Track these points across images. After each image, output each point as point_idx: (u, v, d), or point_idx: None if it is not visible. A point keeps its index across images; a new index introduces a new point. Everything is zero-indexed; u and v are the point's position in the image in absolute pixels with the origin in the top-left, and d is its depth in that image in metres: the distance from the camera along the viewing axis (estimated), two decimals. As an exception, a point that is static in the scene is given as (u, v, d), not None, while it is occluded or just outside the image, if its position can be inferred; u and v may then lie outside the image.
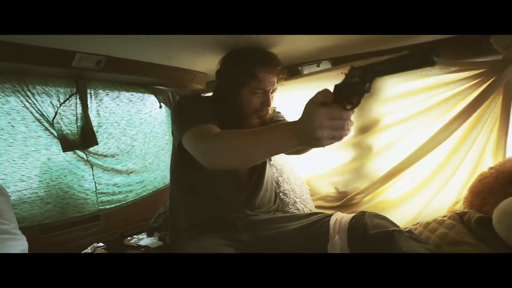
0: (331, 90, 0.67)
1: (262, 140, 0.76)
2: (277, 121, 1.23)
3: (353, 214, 0.99)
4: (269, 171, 1.28)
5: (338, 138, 0.66)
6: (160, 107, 1.80)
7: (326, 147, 0.67)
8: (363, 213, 0.97)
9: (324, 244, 0.97)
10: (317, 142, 0.65)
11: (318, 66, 1.61)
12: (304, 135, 0.67)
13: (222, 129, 0.97)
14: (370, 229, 0.89)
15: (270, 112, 1.14)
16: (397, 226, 0.90)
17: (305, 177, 1.70)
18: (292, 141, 0.71)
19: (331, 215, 1.05)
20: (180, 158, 1.12)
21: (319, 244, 0.98)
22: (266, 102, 1.09)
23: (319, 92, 0.66)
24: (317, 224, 1.03)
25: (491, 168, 1.16)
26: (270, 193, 1.25)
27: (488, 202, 1.08)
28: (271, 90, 1.11)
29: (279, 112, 1.32)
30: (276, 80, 1.11)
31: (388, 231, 0.86)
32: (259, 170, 1.21)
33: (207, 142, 0.88)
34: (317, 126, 0.62)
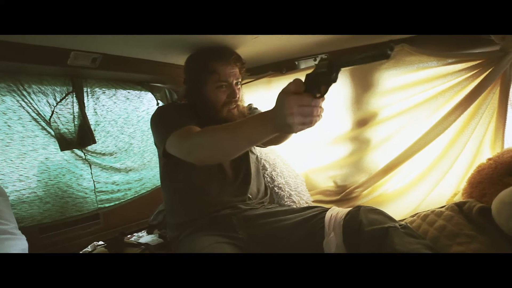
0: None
1: (241, 130, 0.81)
2: (251, 113, 1.26)
3: (349, 209, 0.98)
4: (254, 164, 1.29)
5: (308, 124, 0.70)
6: (157, 104, 1.79)
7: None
8: (358, 208, 0.96)
9: (320, 241, 0.97)
10: (289, 128, 0.69)
11: (315, 60, 1.61)
12: (277, 122, 0.71)
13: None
14: (365, 225, 0.88)
15: (241, 105, 1.17)
16: (394, 221, 0.90)
17: (304, 172, 1.71)
18: (267, 128, 0.75)
19: (327, 210, 1.04)
20: (167, 167, 1.17)
21: (315, 241, 0.97)
22: (232, 93, 1.13)
23: (291, 83, 0.70)
24: (313, 220, 1.03)
25: (489, 159, 1.16)
26: (258, 185, 1.26)
27: (487, 193, 1.08)
28: (236, 82, 1.15)
29: (256, 108, 1.35)
30: (237, 71, 1.15)
31: (383, 228, 0.85)
32: (245, 165, 1.23)
33: (190, 140, 0.92)
34: (288, 113, 0.67)
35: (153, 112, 1.14)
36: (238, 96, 1.15)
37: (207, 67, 1.11)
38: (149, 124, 1.13)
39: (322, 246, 0.96)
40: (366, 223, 0.89)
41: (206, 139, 0.88)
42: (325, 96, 0.70)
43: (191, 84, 1.18)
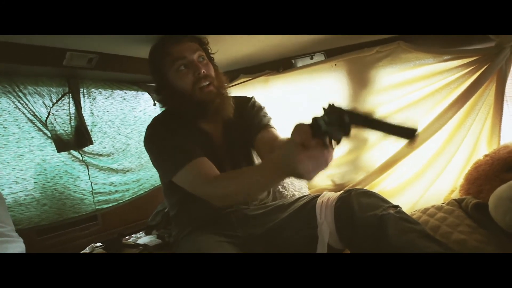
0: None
1: (255, 180, 0.83)
2: (255, 114, 1.16)
3: (339, 194, 0.95)
4: None
5: (321, 168, 0.66)
6: (154, 104, 1.79)
7: None
8: (349, 193, 0.92)
9: (314, 230, 0.94)
10: (301, 177, 0.67)
11: (312, 58, 1.61)
12: (287, 171, 0.70)
13: (192, 127, 1.05)
14: (357, 212, 0.86)
15: (216, 83, 1.08)
16: (387, 202, 0.88)
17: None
18: (281, 177, 0.78)
19: (318, 196, 1.00)
20: (170, 183, 1.10)
21: (310, 231, 0.95)
22: (195, 69, 1.03)
23: (295, 132, 0.65)
24: (305, 209, 1.00)
25: (486, 155, 1.17)
26: None
27: (484, 189, 1.08)
28: (198, 58, 1.07)
29: (255, 102, 1.22)
30: (194, 45, 1.07)
31: (376, 215, 0.83)
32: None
33: (202, 188, 0.94)
34: (299, 164, 0.63)
35: (145, 136, 1.08)
36: (203, 71, 1.03)
37: (161, 52, 1.05)
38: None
39: (316, 236, 0.93)
40: (358, 209, 0.86)
41: (218, 190, 0.90)
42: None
43: (156, 78, 1.11)
